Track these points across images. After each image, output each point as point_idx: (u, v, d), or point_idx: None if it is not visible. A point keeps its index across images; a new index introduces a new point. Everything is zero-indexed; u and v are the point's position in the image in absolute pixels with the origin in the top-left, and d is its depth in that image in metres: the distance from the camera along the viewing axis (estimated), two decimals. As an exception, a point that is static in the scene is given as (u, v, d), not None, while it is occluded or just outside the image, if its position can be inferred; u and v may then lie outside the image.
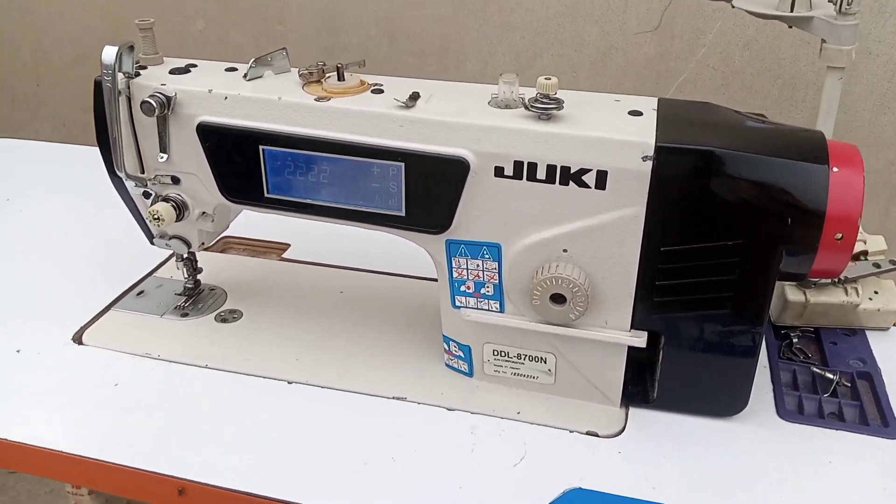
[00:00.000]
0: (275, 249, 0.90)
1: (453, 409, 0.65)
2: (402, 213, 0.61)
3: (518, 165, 0.57)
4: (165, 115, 0.63)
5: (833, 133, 1.05)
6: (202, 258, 0.79)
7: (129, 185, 0.68)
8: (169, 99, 0.62)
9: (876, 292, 0.74)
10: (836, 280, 0.72)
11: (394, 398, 0.66)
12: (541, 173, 0.56)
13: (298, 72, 0.63)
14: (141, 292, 0.80)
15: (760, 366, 0.64)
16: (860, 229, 0.61)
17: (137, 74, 0.64)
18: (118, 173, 0.66)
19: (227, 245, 0.91)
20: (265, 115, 0.61)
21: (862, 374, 0.69)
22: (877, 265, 0.73)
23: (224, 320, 0.76)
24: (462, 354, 0.67)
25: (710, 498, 0.57)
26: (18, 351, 0.71)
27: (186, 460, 0.60)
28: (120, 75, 0.63)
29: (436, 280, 0.65)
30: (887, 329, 0.75)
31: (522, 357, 0.65)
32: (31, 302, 0.79)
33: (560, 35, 1.54)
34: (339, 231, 0.66)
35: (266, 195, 0.64)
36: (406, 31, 1.63)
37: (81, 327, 0.74)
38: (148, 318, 0.76)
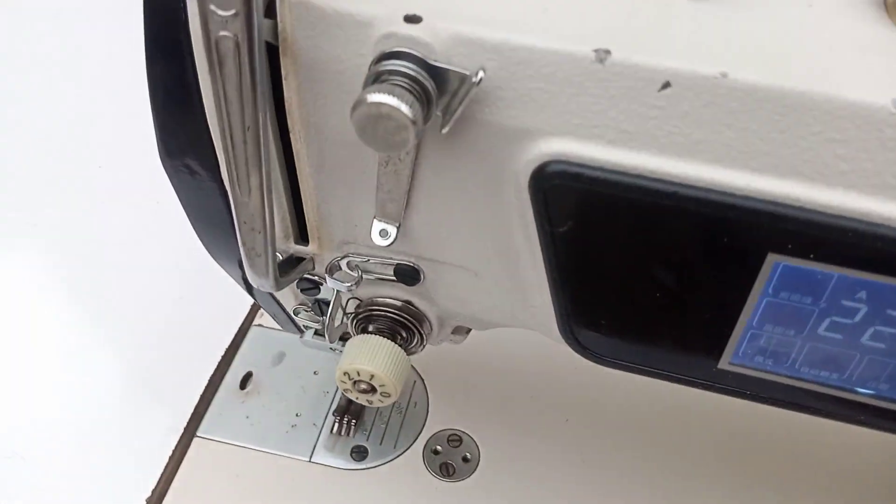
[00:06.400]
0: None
1: None
2: None
3: None
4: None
5: None
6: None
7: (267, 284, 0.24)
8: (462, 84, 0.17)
9: None
10: None
11: None
12: None
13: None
14: (247, 386, 0.39)
15: None
16: None
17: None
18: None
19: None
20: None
21: None
22: None
23: (446, 471, 0.36)
24: None
25: None
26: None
27: None
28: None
29: None
30: None
31: None
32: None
33: None
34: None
35: (723, 366, 0.21)
36: None
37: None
38: (279, 460, 0.36)
